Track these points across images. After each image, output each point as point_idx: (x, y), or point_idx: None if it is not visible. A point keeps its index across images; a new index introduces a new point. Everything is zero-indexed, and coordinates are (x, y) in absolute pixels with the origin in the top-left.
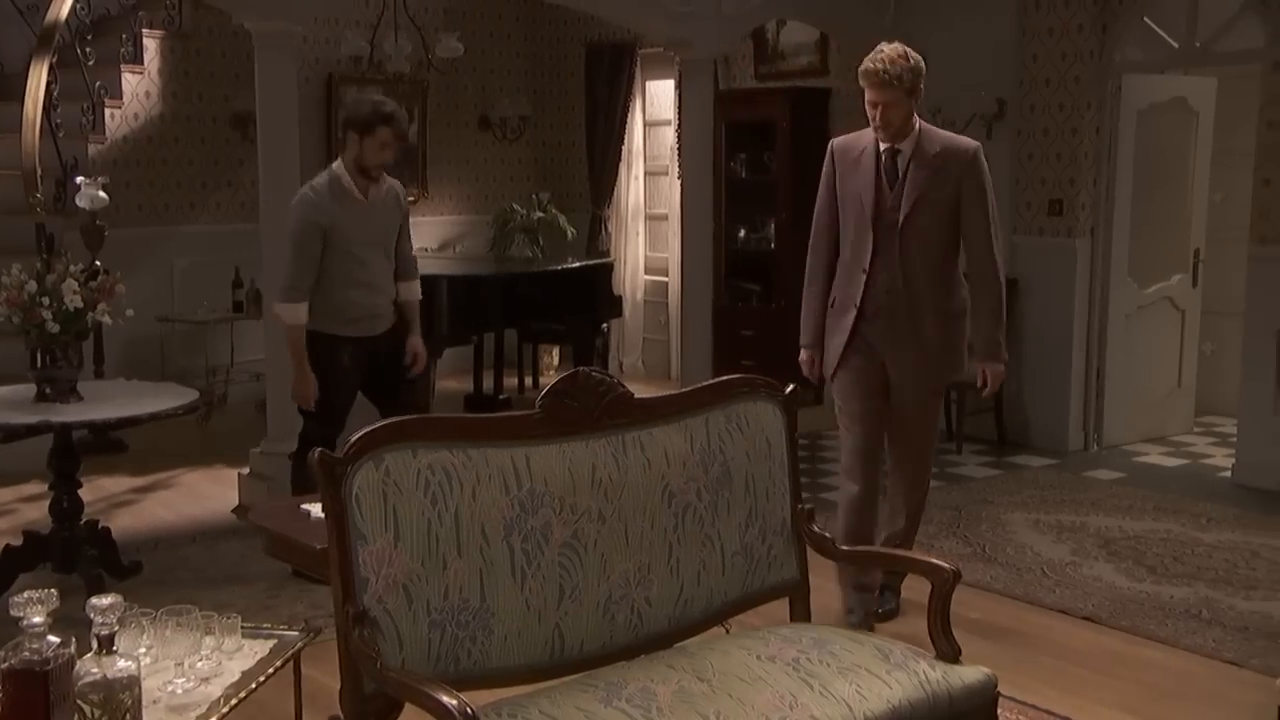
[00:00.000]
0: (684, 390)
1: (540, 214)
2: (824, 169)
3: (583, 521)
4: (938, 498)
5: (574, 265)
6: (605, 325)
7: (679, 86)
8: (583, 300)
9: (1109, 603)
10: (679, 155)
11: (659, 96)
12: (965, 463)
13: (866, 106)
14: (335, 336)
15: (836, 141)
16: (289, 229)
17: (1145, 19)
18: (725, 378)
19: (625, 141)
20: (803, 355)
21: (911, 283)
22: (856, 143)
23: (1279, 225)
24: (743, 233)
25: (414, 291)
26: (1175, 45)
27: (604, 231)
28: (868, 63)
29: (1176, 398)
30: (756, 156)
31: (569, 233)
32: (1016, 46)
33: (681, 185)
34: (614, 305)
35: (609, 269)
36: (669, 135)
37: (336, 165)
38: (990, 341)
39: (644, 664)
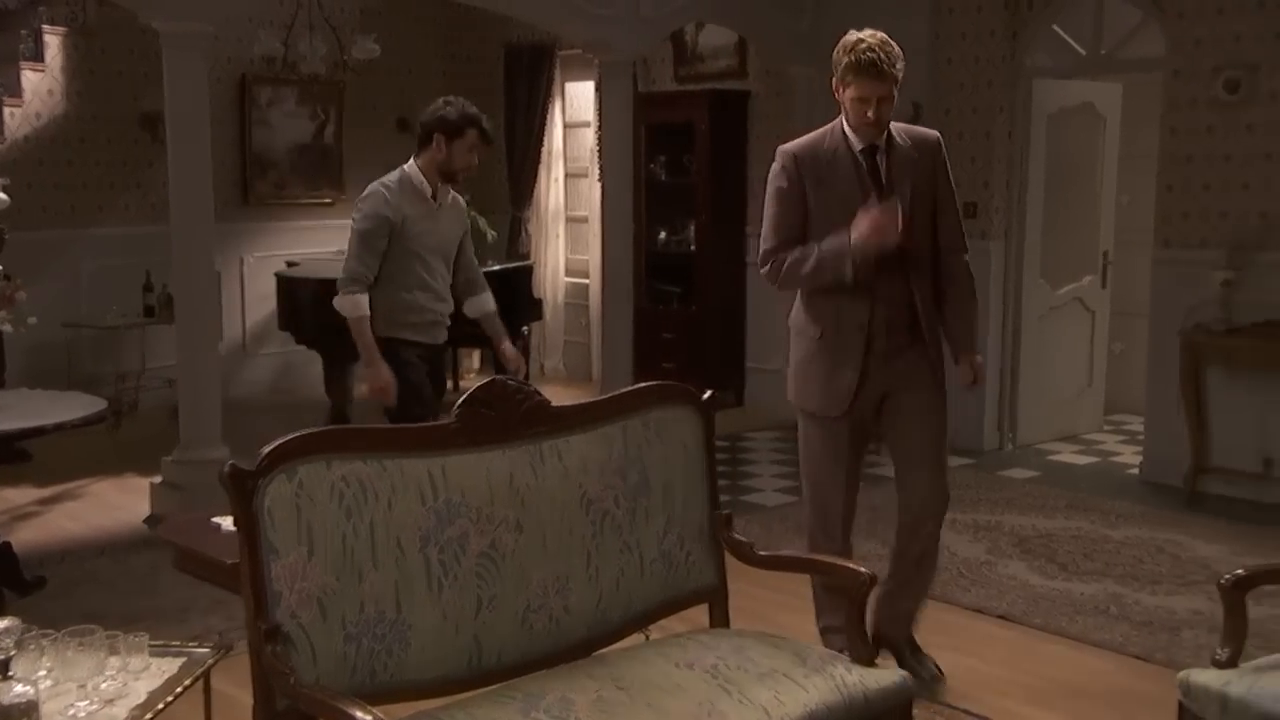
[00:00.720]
0: (602, 398)
1: None
2: (778, 184)
3: (500, 531)
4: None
5: (493, 268)
6: (525, 328)
7: (599, 88)
8: (502, 303)
9: (1022, 601)
10: (599, 157)
11: (578, 98)
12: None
13: (851, 103)
14: (404, 340)
15: (792, 148)
16: (356, 222)
17: (1054, 26)
18: (643, 385)
19: (545, 143)
20: (855, 238)
21: (919, 294)
22: (819, 146)
23: (1181, 229)
24: (663, 235)
25: (490, 303)
26: (1082, 52)
27: (524, 234)
28: (859, 54)
29: (1087, 397)
30: (676, 159)
31: (488, 235)
32: (931, 51)
33: (601, 187)
34: (534, 308)
35: (528, 271)
36: (589, 137)
37: (409, 166)
38: (972, 332)
39: (563, 673)
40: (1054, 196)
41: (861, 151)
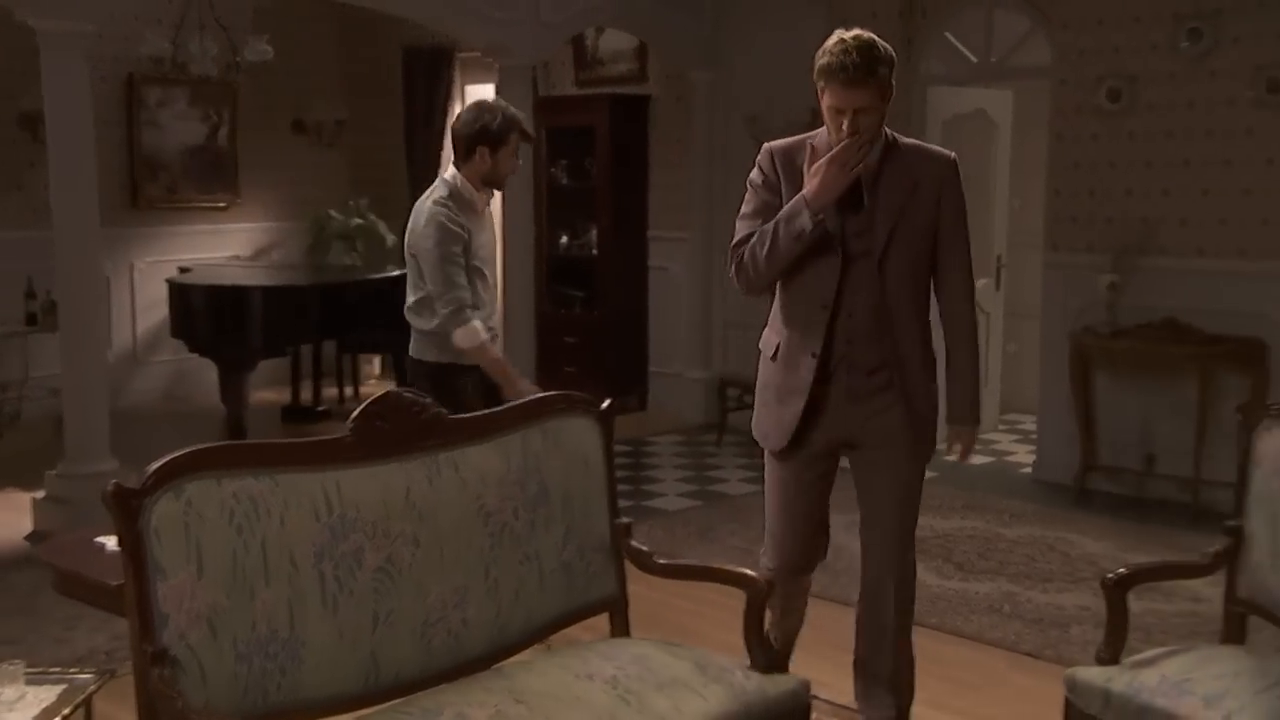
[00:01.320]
0: (500, 409)
1: (359, 220)
2: (753, 180)
3: (397, 545)
4: (757, 501)
5: (394, 273)
6: None
7: (499, 91)
8: (402, 308)
9: (920, 601)
10: None
11: None
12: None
13: (828, 113)
14: (461, 366)
15: (775, 145)
16: (431, 247)
17: (947, 34)
18: (541, 394)
19: (445, 146)
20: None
21: (900, 336)
22: (803, 149)
23: (1069, 234)
24: (564, 239)
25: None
26: (974, 60)
27: None
28: (832, 56)
29: (983, 397)
30: (578, 162)
31: (389, 239)
32: None
33: (502, 192)
34: None
35: None
36: None
37: (450, 176)
38: (971, 402)
39: (461, 687)
40: None
41: None
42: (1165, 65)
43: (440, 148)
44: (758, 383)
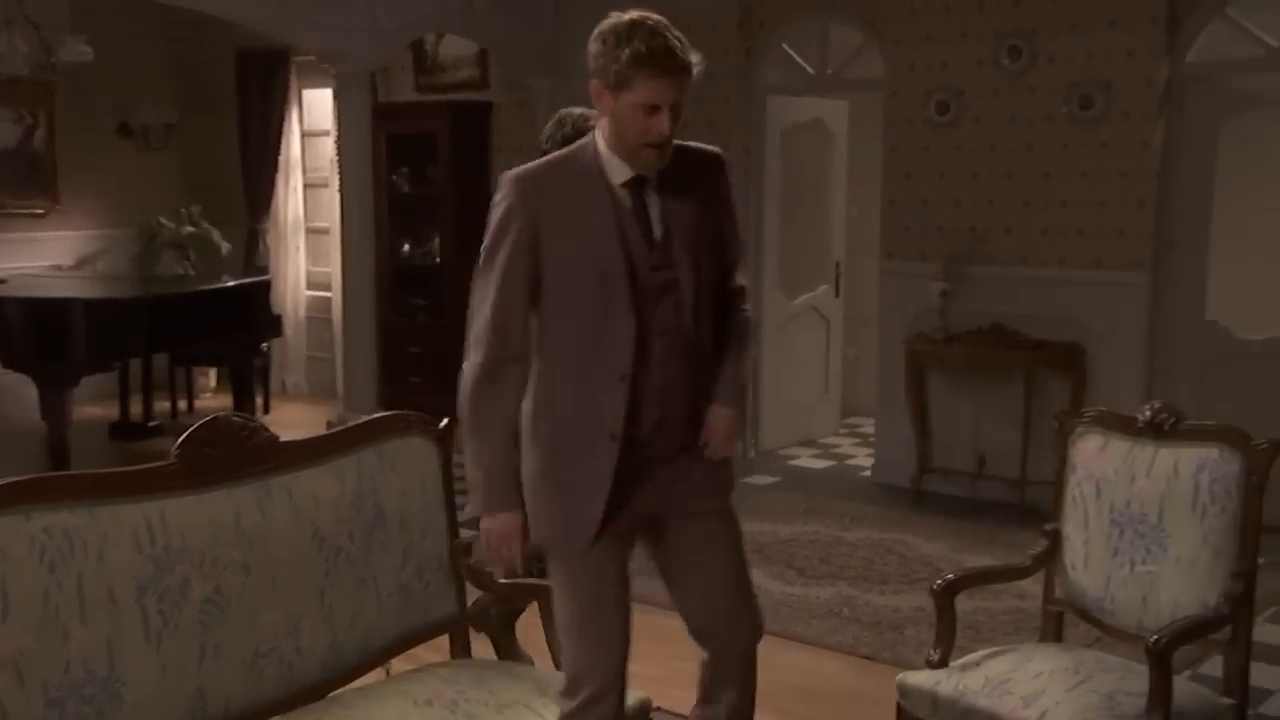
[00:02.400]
0: (333, 430)
1: (191, 228)
2: (497, 239)
3: (225, 575)
4: None
5: (228, 284)
6: (265, 345)
7: (336, 98)
8: (238, 320)
9: (762, 608)
10: (339, 167)
11: (316, 105)
12: None
13: (632, 112)
14: None
15: (520, 175)
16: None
17: (784, 45)
18: (376, 415)
19: (282, 152)
20: (494, 525)
21: (694, 372)
22: (561, 175)
23: (903, 242)
24: (407, 247)
25: None
26: (811, 71)
27: (262, 246)
28: (640, 41)
29: (824, 402)
30: (420, 170)
31: (223, 248)
32: None
33: (341, 200)
34: (273, 324)
35: (266, 286)
36: (328, 146)
37: None
38: (738, 384)
39: (295, 718)
40: (789, 209)
41: (624, 186)
42: (989, 80)
43: (278, 153)
44: (524, 468)
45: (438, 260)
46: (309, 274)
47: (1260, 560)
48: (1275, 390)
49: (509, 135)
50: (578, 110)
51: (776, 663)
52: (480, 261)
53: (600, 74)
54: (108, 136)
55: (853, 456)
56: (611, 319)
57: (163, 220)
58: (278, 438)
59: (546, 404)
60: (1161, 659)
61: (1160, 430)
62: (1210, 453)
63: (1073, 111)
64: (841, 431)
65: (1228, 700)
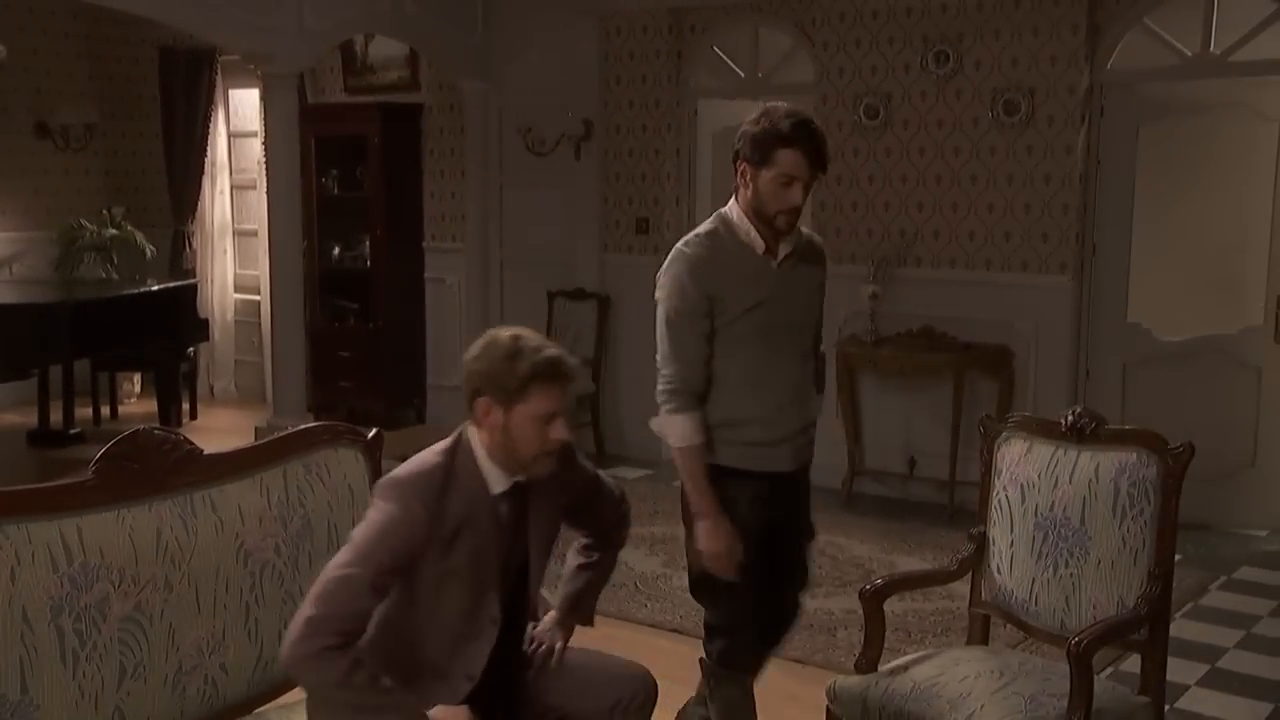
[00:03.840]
0: (259, 443)
1: (113, 231)
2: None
3: (146, 592)
4: None
5: (153, 288)
6: (191, 349)
7: (262, 98)
8: (163, 325)
9: (697, 612)
10: (267, 169)
11: (244, 106)
12: None
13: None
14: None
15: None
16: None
17: (715, 48)
18: (304, 426)
19: (209, 153)
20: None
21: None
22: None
23: (835, 245)
24: (337, 250)
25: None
26: (741, 75)
27: (188, 248)
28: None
29: None
30: (349, 172)
31: (147, 251)
32: (600, 69)
33: (268, 202)
34: (199, 329)
35: (192, 291)
36: (256, 147)
37: (729, 206)
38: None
39: None
40: None
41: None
42: (917, 85)
43: (204, 154)
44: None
45: (368, 263)
46: (237, 277)
47: (1177, 556)
48: (1194, 390)
49: (440, 138)
50: (784, 107)
51: None
52: None
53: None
54: (25, 137)
55: None
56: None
57: (84, 222)
58: (201, 451)
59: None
60: (1082, 660)
61: (1082, 435)
62: (1129, 456)
63: (998, 117)
64: None
65: (1144, 699)
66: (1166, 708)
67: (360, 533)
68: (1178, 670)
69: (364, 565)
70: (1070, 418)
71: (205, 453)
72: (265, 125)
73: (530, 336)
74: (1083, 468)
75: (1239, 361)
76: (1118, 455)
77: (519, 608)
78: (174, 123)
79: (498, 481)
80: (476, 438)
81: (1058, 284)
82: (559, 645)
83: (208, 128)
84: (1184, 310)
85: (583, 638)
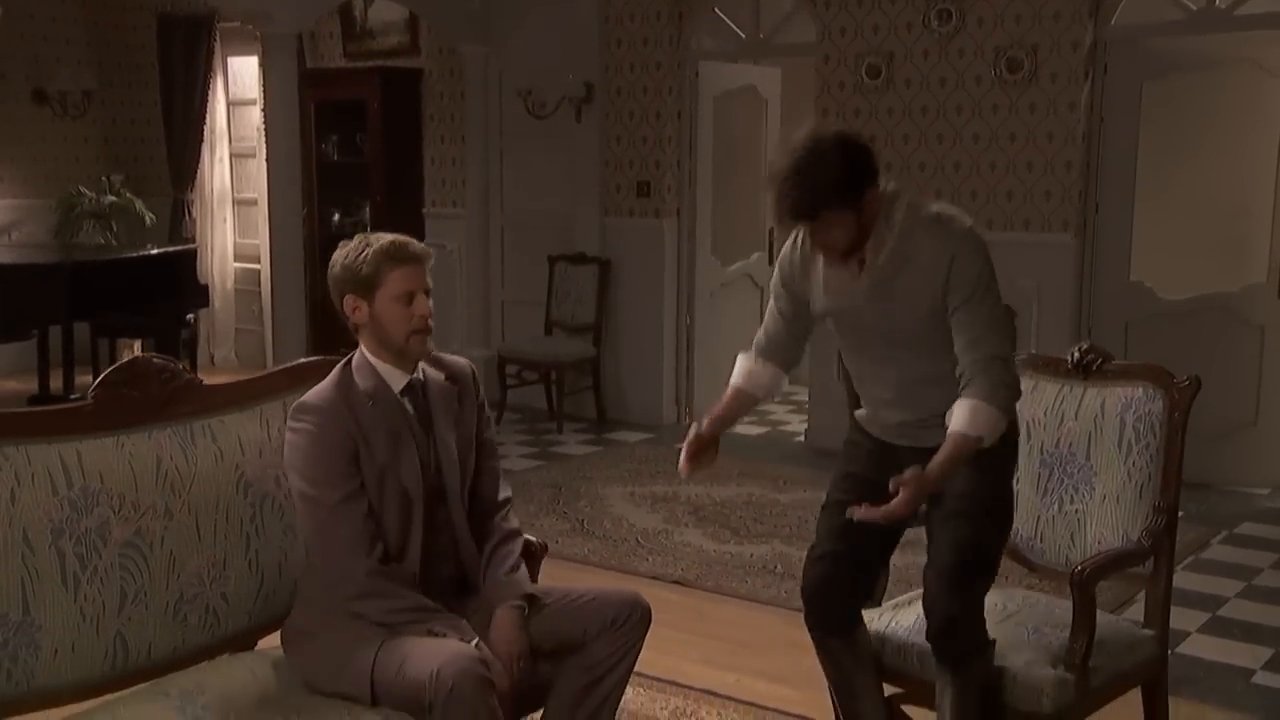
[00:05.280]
0: (259, 375)
1: (112, 198)
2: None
3: (146, 519)
4: (538, 476)
5: (151, 252)
6: (191, 316)
7: (261, 63)
8: (163, 289)
9: (697, 565)
10: (265, 134)
11: (243, 74)
12: (566, 441)
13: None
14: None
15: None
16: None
17: (716, 10)
18: (304, 360)
19: (208, 121)
20: None
21: None
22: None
23: None
24: (337, 217)
25: None
26: (743, 36)
27: (188, 217)
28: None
29: None
30: (349, 138)
31: (147, 218)
32: (601, 31)
33: (267, 168)
34: (199, 295)
35: (192, 256)
36: (256, 115)
37: None
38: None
39: (222, 667)
40: (722, 176)
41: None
42: (919, 44)
43: (203, 122)
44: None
45: (369, 229)
46: (237, 246)
47: (1180, 513)
48: (1196, 348)
49: (440, 103)
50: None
51: (713, 617)
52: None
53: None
54: (22, 104)
55: (787, 423)
56: None
57: (83, 189)
58: (200, 381)
59: None
60: (1085, 588)
61: (1088, 371)
62: (1135, 391)
63: (1001, 74)
64: (777, 400)
65: (1148, 632)
66: (1170, 651)
67: (298, 462)
68: (1179, 619)
69: (326, 488)
70: (1076, 354)
71: (205, 383)
72: (264, 90)
73: (378, 234)
74: (1088, 404)
75: (1241, 319)
76: (1123, 390)
77: (444, 506)
78: (173, 90)
79: (395, 380)
80: (363, 348)
81: (1060, 242)
82: (520, 648)
83: (207, 95)
84: (1187, 268)
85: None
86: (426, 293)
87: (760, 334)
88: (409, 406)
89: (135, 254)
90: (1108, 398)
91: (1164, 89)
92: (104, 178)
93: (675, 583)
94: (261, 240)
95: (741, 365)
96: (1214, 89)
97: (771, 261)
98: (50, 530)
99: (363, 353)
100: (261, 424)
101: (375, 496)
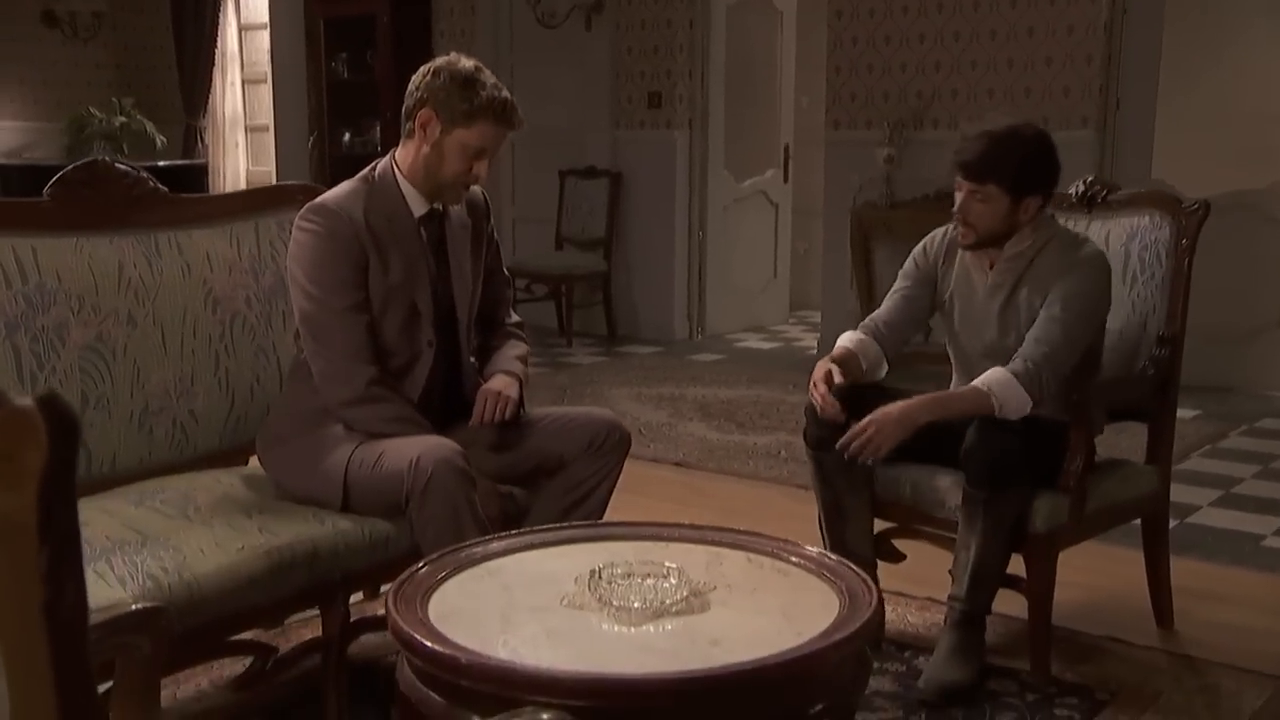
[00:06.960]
0: (229, 193)
1: (123, 119)
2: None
3: (108, 324)
4: (544, 380)
5: (159, 163)
6: None
7: None
8: None
9: (698, 451)
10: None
11: None
12: (575, 354)
13: (460, 150)
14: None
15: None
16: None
17: None
18: (278, 184)
19: (219, 45)
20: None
21: None
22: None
23: (850, 110)
24: (347, 136)
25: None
26: None
27: (200, 143)
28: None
29: (773, 288)
30: (359, 55)
31: (158, 140)
32: None
33: (273, 86)
34: None
35: (201, 169)
36: (266, 40)
37: None
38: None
39: (189, 477)
40: (736, 89)
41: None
42: None
43: (214, 46)
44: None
45: (379, 149)
46: (250, 173)
47: (1196, 412)
48: (1220, 248)
49: (451, 18)
50: None
51: (712, 492)
52: None
53: (439, 110)
54: (32, 26)
55: (800, 340)
56: None
57: (92, 110)
58: (165, 190)
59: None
60: (1079, 410)
61: (1093, 204)
62: (1142, 220)
63: None
64: (790, 321)
65: (1148, 466)
66: (1177, 522)
67: (305, 261)
68: (1191, 495)
69: (331, 293)
70: (1080, 187)
71: (171, 194)
72: (271, 5)
73: (490, 74)
74: (1094, 237)
75: (1268, 217)
76: (1130, 220)
77: (452, 335)
78: (183, 13)
79: (417, 204)
80: (397, 163)
81: (1079, 139)
82: (513, 394)
83: (217, 19)
84: (1211, 166)
85: None
86: (490, 160)
87: (870, 319)
88: (424, 234)
89: (145, 165)
90: (1113, 229)
91: None
92: (114, 99)
93: (676, 464)
94: (273, 167)
95: (848, 336)
96: None
97: (787, 180)
98: (4, 324)
99: (393, 165)
100: (231, 242)
101: (380, 316)
